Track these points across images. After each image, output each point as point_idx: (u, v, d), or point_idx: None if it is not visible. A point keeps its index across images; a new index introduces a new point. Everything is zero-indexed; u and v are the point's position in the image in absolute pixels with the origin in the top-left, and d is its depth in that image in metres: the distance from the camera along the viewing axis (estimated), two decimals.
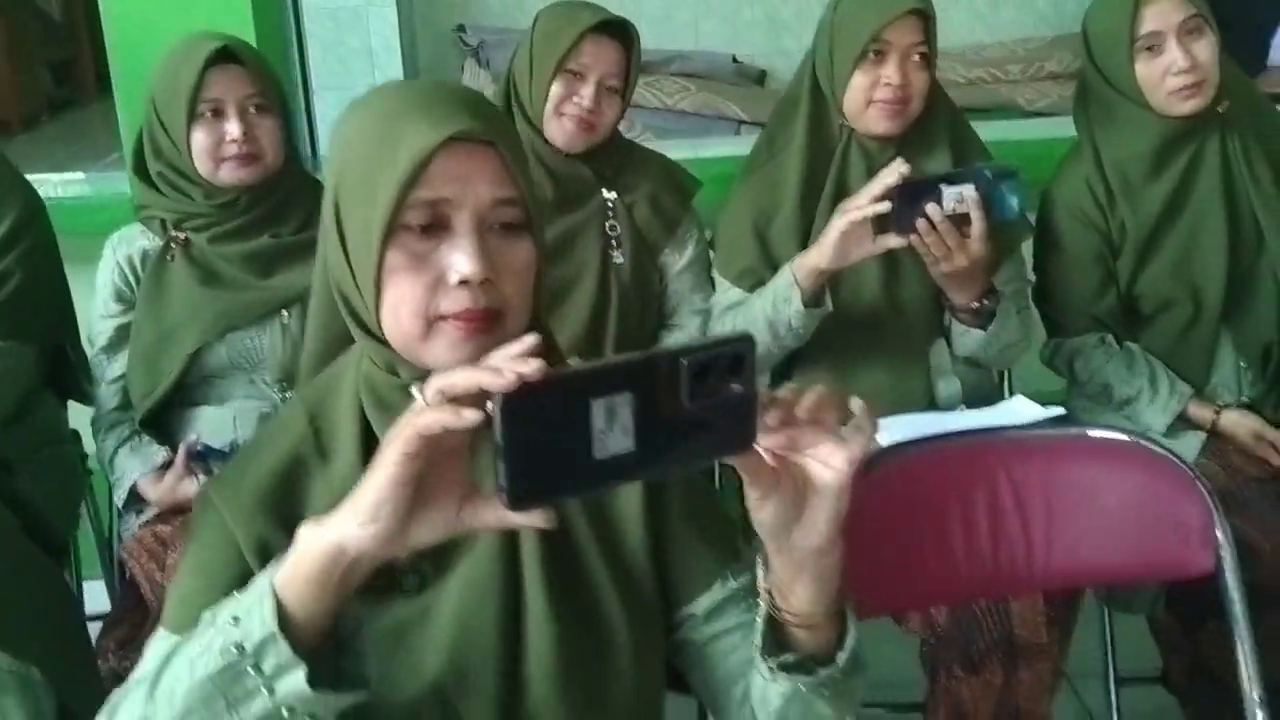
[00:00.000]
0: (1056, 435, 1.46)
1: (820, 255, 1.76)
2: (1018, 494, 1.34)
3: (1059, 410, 1.80)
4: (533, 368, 0.72)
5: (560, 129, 1.94)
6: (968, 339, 1.87)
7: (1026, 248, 2.06)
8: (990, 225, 1.73)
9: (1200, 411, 1.92)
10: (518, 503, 0.73)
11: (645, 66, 4.30)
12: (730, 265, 1.97)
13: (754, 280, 1.92)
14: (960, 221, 1.72)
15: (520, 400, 0.71)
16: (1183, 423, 1.92)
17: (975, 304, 1.83)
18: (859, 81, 1.86)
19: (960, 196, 1.71)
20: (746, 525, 0.90)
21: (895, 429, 1.79)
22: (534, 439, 0.71)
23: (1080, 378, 2.01)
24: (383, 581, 0.96)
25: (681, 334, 2.02)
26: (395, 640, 0.97)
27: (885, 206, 1.68)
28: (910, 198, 1.71)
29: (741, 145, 3.02)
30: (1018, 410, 1.82)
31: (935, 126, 1.94)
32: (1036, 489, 1.34)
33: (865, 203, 1.70)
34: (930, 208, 1.71)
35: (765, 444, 0.81)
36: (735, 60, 4.29)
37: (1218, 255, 1.94)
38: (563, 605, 0.98)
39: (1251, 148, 1.95)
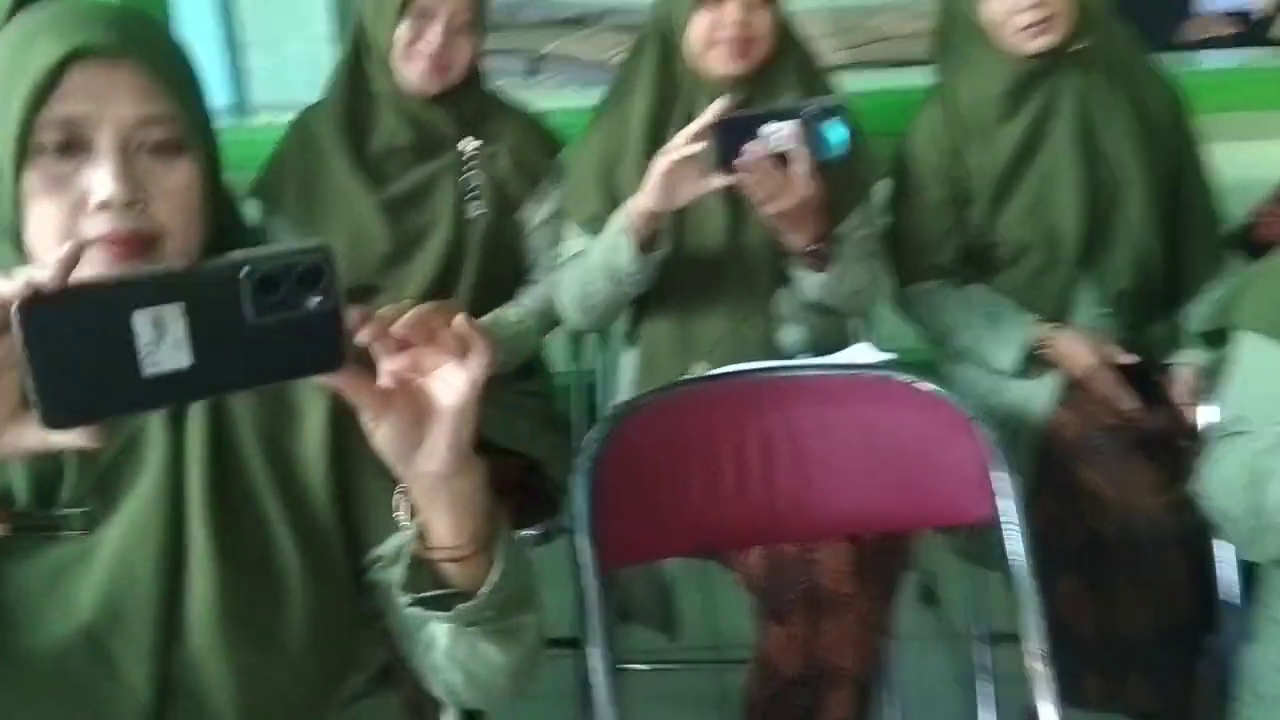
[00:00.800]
0: (837, 377, 1.40)
1: (646, 198, 1.70)
2: (792, 436, 1.30)
3: (892, 356, 1.74)
4: (49, 276, 0.67)
5: (411, 72, 1.88)
6: (808, 283, 1.82)
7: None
8: (815, 164, 1.67)
9: (1038, 331, 1.87)
10: (54, 422, 0.68)
11: (583, 19, 4.26)
12: (578, 211, 1.91)
13: (600, 226, 1.87)
14: (784, 160, 1.67)
15: (45, 311, 0.66)
16: (1036, 365, 1.86)
17: (811, 247, 1.77)
18: (700, 22, 1.80)
19: (781, 134, 1.65)
20: None
21: None
22: (67, 353, 0.67)
23: (926, 324, 1.96)
24: (46, 521, 0.93)
25: (537, 292, 1.97)
26: (51, 582, 0.93)
27: (699, 146, 1.63)
28: (729, 135, 1.65)
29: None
30: (856, 357, 1.76)
31: (783, 69, 1.87)
32: (813, 432, 1.30)
33: (683, 142, 1.64)
34: (750, 145, 1.65)
35: (388, 367, 0.79)
36: None
37: (1073, 200, 1.87)
38: (229, 546, 0.94)
39: (1111, 88, 1.88)
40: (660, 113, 1.87)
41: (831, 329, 1.90)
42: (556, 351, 2.13)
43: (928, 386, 1.32)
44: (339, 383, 0.78)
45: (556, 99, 2.76)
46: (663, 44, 1.88)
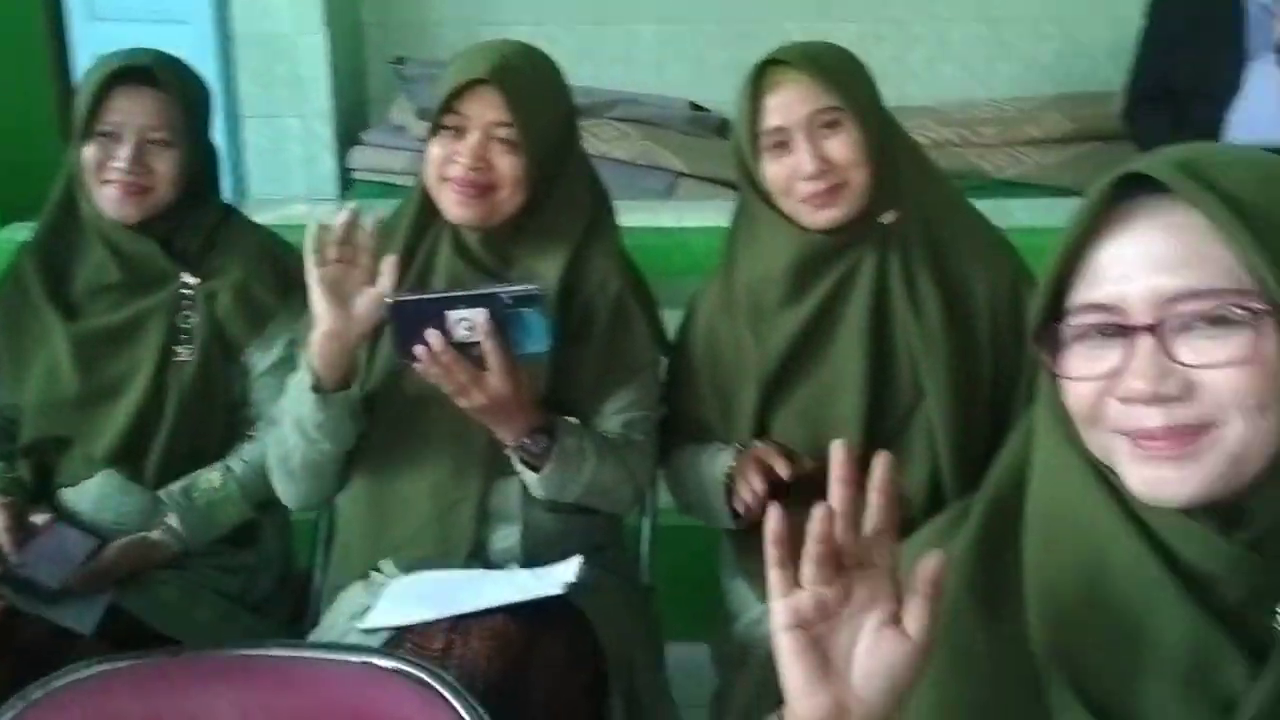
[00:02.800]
0: (317, 659, 1.12)
1: (318, 315, 1.49)
2: None
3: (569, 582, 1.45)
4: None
5: (103, 197, 1.70)
6: (528, 480, 1.55)
7: None
8: (508, 359, 1.42)
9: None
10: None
11: (588, 109, 4.07)
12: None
13: None
14: (472, 349, 1.42)
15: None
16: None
17: (518, 442, 1.50)
18: (434, 154, 1.57)
19: (470, 324, 1.41)
20: None
21: (399, 595, 1.50)
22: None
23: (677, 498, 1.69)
24: None
25: (251, 449, 1.74)
26: None
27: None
28: (409, 319, 1.42)
29: (684, 215, 2.75)
30: (555, 575, 1.47)
31: (554, 225, 1.60)
32: None
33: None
34: (431, 335, 1.41)
35: None
36: (695, 107, 4.01)
37: (853, 411, 1.53)
38: None
39: (922, 271, 1.54)
40: (409, 258, 1.62)
41: (566, 530, 1.60)
42: None
43: (428, 679, 1.03)
44: None
45: None
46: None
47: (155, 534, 1.67)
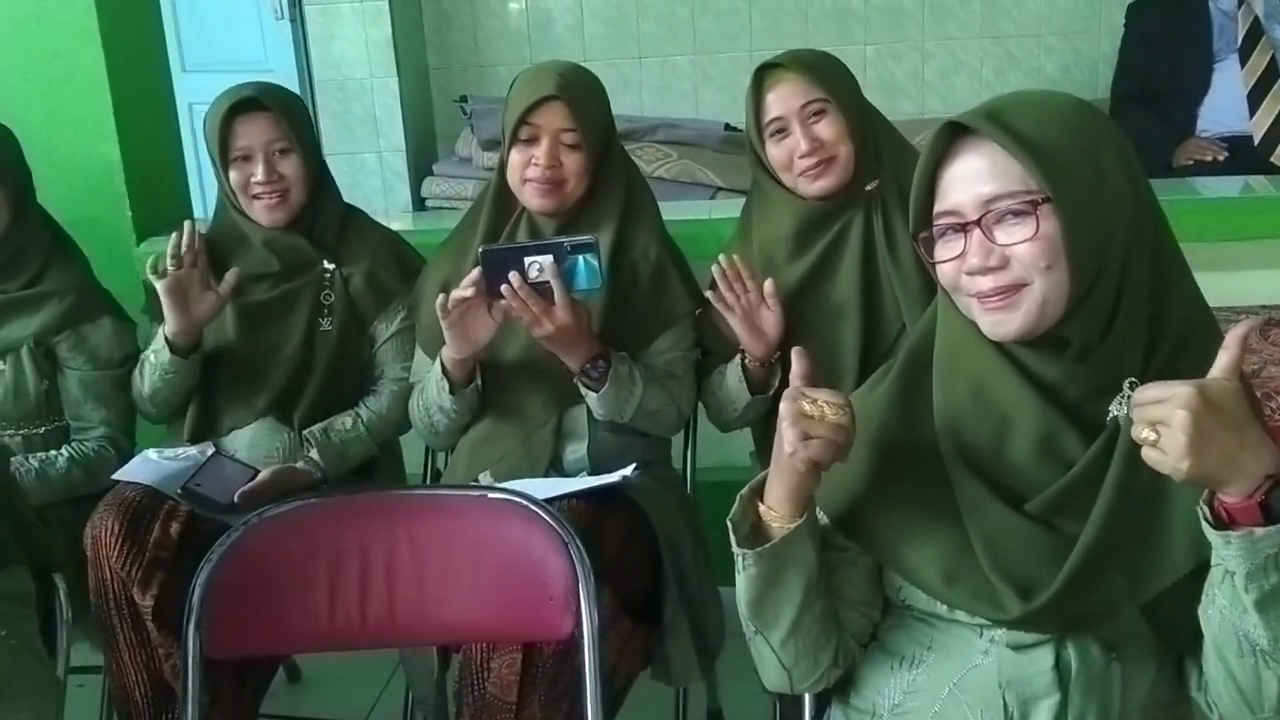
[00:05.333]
0: (455, 496, 1.53)
1: (449, 347, 1.90)
2: (391, 551, 1.43)
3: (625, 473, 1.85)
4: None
5: (256, 211, 2.14)
6: (590, 401, 1.94)
7: None
8: (568, 294, 1.81)
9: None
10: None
11: (630, 134, 4.49)
12: (420, 335, 2.11)
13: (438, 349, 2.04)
14: (544, 289, 1.81)
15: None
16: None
17: (580, 367, 1.90)
18: (514, 159, 1.98)
19: (540, 266, 1.81)
20: None
21: None
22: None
23: (711, 410, 2.08)
24: None
25: (376, 401, 2.17)
26: None
27: (469, 291, 1.81)
28: (495, 266, 1.81)
29: (715, 209, 3.17)
30: (615, 475, 1.87)
31: (603, 204, 2.02)
32: (427, 545, 1.43)
33: (463, 287, 1.83)
34: (512, 275, 1.81)
35: None
36: (729, 128, 4.39)
37: (851, 339, 1.92)
38: None
39: (899, 226, 1.93)
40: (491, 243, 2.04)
41: (624, 447, 2.00)
42: None
43: (538, 509, 1.43)
44: None
45: None
46: (500, 176, 2.05)
47: (300, 464, 2.09)
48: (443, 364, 1.94)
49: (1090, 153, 1.14)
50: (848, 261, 1.94)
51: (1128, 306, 1.15)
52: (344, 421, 2.14)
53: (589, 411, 1.98)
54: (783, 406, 1.17)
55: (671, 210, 2.31)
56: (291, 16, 4.49)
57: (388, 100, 4.41)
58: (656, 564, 1.87)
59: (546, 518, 1.40)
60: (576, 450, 1.99)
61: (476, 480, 1.98)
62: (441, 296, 1.85)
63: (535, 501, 1.44)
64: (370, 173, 4.47)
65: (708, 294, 1.94)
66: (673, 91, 4.65)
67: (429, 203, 4.28)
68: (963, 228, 1.16)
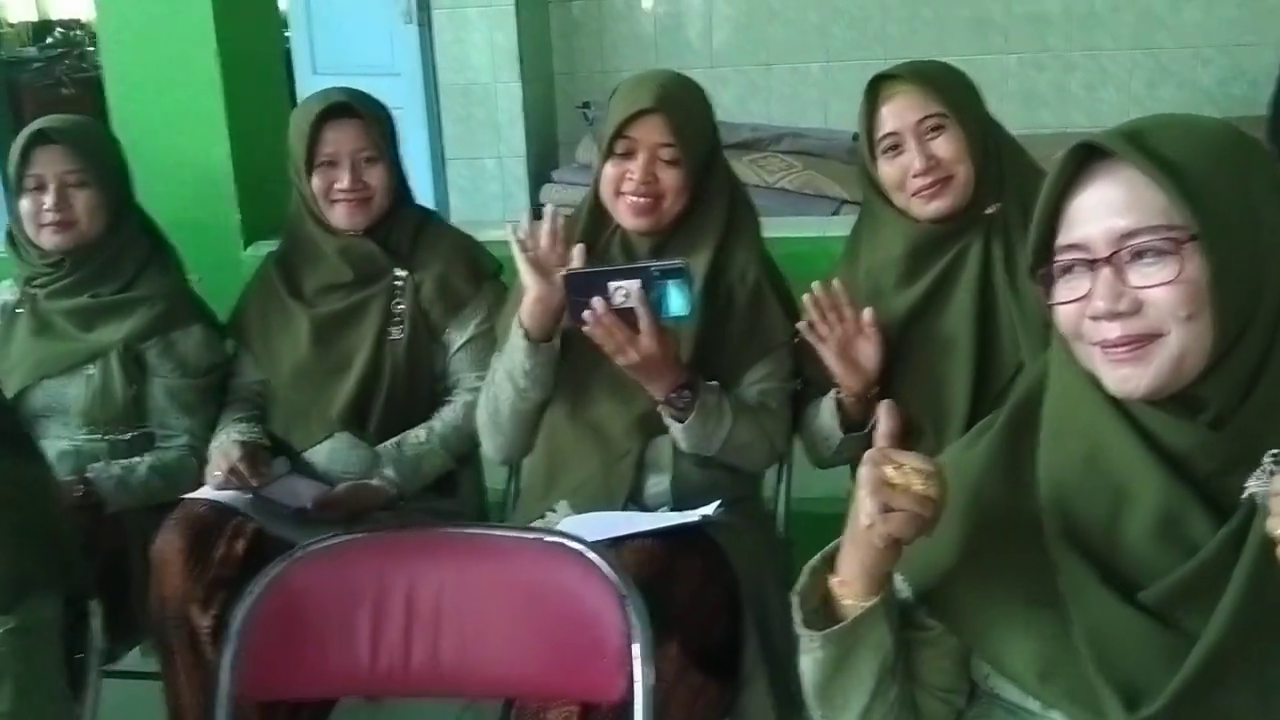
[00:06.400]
0: (507, 537, 1.42)
1: (527, 285, 1.82)
2: (439, 594, 1.33)
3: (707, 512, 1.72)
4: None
5: (336, 215, 2.09)
6: (674, 432, 1.83)
7: None
8: (656, 322, 1.70)
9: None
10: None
11: (755, 143, 4.37)
12: (502, 337, 2.01)
13: None
14: (630, 315, 1.71)
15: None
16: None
17: (665, 396, 1.78)
18: (608, 173, 1.88)
19: (626, 291, 1.70)
20: None
21: (569, 527, 1.78)
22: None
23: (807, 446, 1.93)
24: None
25: (450, 411, 2.09)
26: None
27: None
28: (580, 289, 1.72)
29: (830, 226, 2.95)
30: (696, 512, 1.75)
31: (702, 223, 1.90)
32: (468, 590, 1.33)
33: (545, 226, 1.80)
34: (596, 300, 1.71)
35: None
36: (857, 139, 4.23)
37: (962, 376, 1.75)
38: None
39: (1022, 256, 1.75)
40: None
41: (711, 482, 1.87)
42: None
43: (595, 557, 1.32)
44: None
45: None
46: (595, 191, 1.95)
47: (375, 480, 2.02)
48: (519, 314, 1.83)
49: (1243, 186, 0.97)
50: (962, 291, 1.77)
51: (1276, 366, 0.98)
52: (418, 434, 2.07)
53: (674, 444, 1.86)
54: (862, 471, 1.03)
55: (788, 226, 2.17)
56: (420, 21, 4.50)
57: (510, 105, 4.37)
58: (736, 611, 1.74)
59: (604, 566, 1.29)
60: (659, 483, 1.87)
61: (554, 508, 1.88)
62: (517, 228, 1.83)
63: (593, 547, 1.33)
64: (490, 178, 4.46)
65: (799, 325, 1.79)
66: (801, 99, 4.50)
67: (546, 209, 4.22)
68: (1090, 265, 1.00)
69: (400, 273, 2.11)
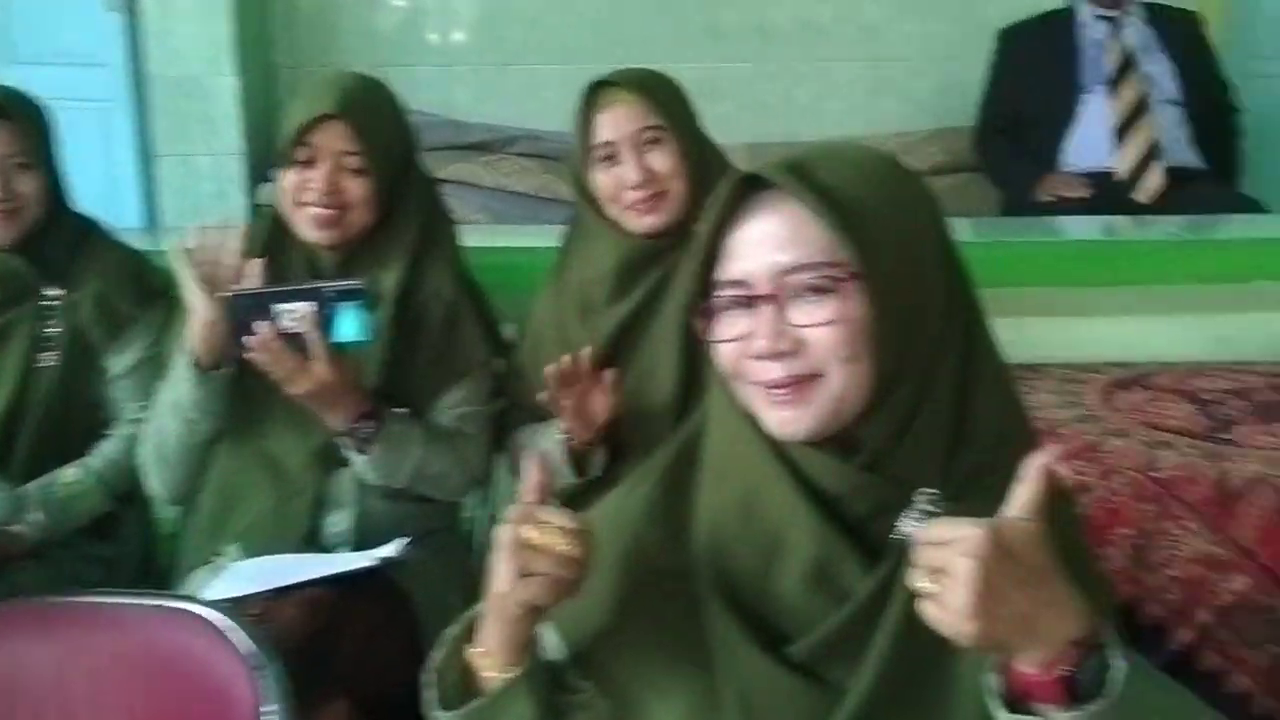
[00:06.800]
0: (121, 605, 1.25)
1: (191, 301, 1.64)
2: (58, 674, 1.15)
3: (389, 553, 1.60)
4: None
5: None
6: (357, 464, 1.68)
7: None
8: (328, 348, 1.56)
9: None
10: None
11: (488, 145, 4.22)
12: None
13: None
14: (301, 340, 1.56)
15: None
16: None
17: (345, 427, 1.64)
18: (288, 182, 1.71)
19: (294, 314, 1.56)
20: None
21: (235, 574, 1.62)
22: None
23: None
24: None
25: (110, 445, 1.87)
26: None
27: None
28: (243, 311, 1.57)
29: (542, 236, 2.84)
30: (374, 553, 1.61)
31: (393, 239, 1.75)
32: (87, 668, 1.16)
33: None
34: (260, 324, 1.55)
35: None
36: None
37: (668, 390, 1.68)
38: None
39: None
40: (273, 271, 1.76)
41: (400, 516, 1.73)
42: None
43: (220, 622, 1.16)
44: None
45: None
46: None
47: (16, 527, 1.78)
48: (187, 338, 1.65)
49: (905, 223, 0.92)
50: (670, 307, 1.71)
51: (931, 406, 0.93)
52: (68, 473, 1.84)
53: (358, 477, 1.71)
54: (501, 532, 0.93)
55: (510, 235, 2.04)
56: (125, 7, 4.15)
57: (225, 99, 4.09)
58: (420, 656, 1.61)
59: (231, 633, 1.14)
60: (339, 522, 1.72)
61: (220, 551, 1.70)
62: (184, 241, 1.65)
63: (225, 610, 1.18)
64: (204, 177, 4.15)
65: (539, 397, 1.68)
66: (539, 102, 4.39)
67: (265, 209, 3.98)
68: (751, 302, 0.93)
69: (53, 291, 1.87)
